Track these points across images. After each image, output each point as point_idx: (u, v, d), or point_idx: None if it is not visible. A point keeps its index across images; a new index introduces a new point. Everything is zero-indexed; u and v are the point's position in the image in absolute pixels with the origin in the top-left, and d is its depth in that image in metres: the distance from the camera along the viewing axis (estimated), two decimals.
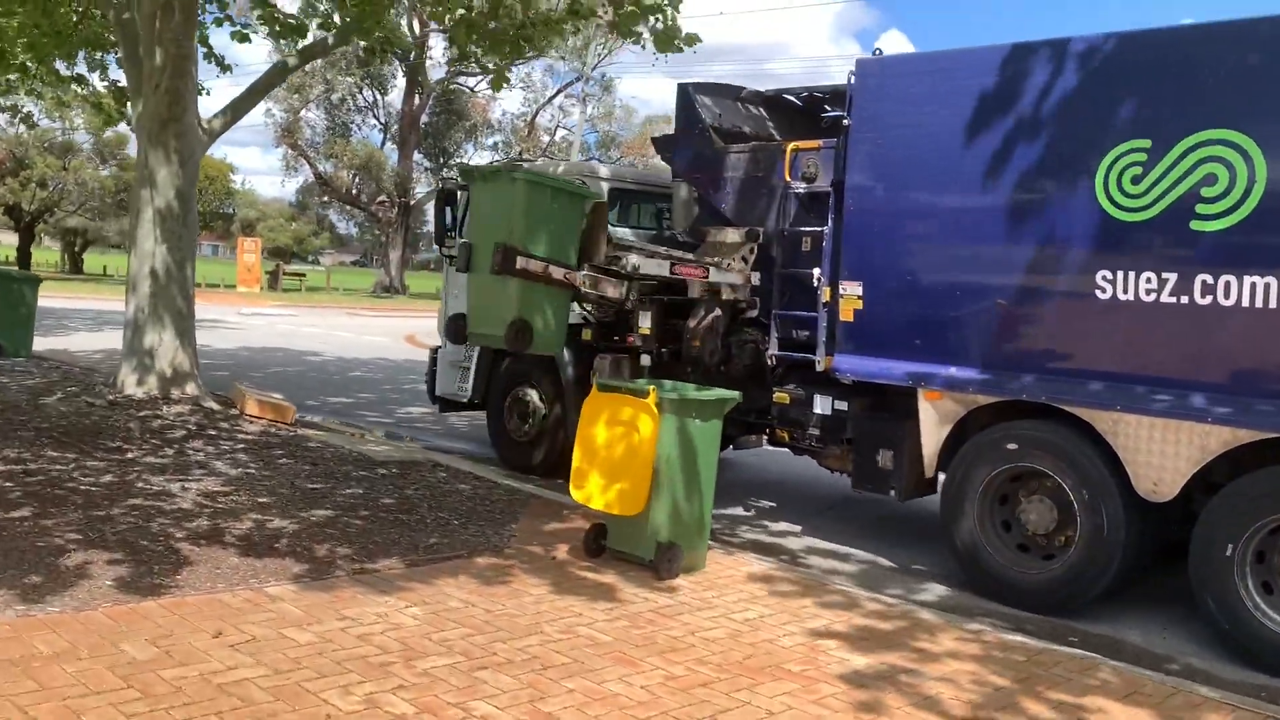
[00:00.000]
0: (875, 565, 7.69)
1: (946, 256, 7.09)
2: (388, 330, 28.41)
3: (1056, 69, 6.59)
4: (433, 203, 11.22)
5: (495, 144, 52.47)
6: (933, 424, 7.19)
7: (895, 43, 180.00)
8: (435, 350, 11.11)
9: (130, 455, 8.23)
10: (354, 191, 50.01)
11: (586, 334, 9.58)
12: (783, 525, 8.75)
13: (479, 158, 53.00)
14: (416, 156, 50.01)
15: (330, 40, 11.40)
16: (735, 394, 6.92)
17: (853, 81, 7.63)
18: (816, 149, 8.22)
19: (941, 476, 7.39)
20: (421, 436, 11.73)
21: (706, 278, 8.37)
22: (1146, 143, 6.21)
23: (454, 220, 10.60)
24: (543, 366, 9.86)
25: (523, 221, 7.10)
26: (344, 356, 19.87)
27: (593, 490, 6.54)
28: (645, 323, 9.01)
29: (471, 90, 49.04)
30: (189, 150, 10.05)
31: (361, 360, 19.56)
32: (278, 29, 11.42)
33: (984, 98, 6.85)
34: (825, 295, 7.87)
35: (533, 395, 9.93)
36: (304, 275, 51.97)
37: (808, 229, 8.09)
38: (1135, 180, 6.24)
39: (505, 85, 10.14)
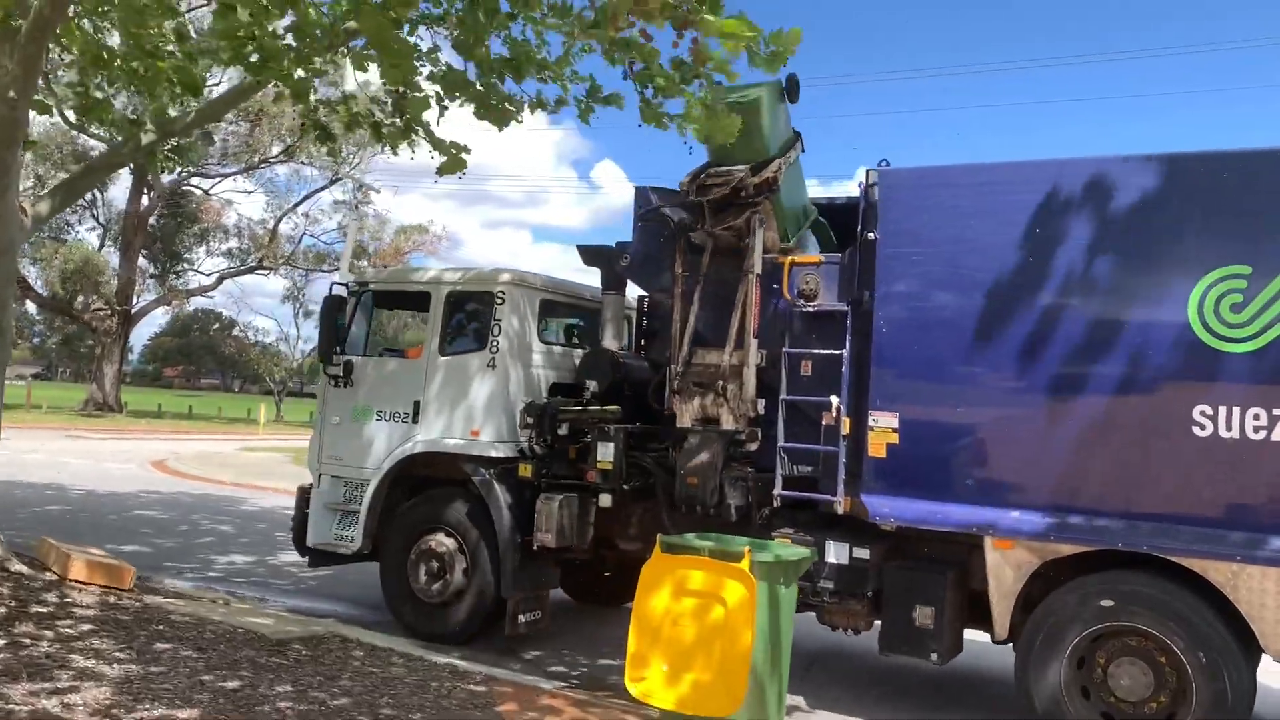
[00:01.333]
0: None
1: (1010, 385, 6.34)
2: (124, 454, 24.72)
3: (1133, 186, 6.12)
4: (317, 311, 9.41)
5: (230, 250, 48.73)
6: (1006, 577, 6.31)
7: (609, 171, 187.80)
8: (305, 490, 9.12)
9: None
10: (64, 298, 44.48)
11: (525, 469, 8.09)
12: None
13: (211, 263, 48.99)
14: (141, 261, 45.42)
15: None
16: (808, 551, 5.76)
17: (876, 193, 6.89)
18: (816, 264, 7.38)
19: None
20: (271, 595, 9.56)
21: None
22: (1247, 269, 5.79)
23: (342, 333, 8.86)
24: (462, 507, 8.22)
25: None
26: (98, 490, 16.69)
27: (655, 684, 5.11)
28: (606, 454, 7.72)
29: (205, 192, 45.44)
30: (7, 240, 7.73)
31: (124, 494, 16.50)
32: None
33: (1048, 212, 6.27)
34: (846, 427, 6.93)
35: (448, 544, 8.21)
36: None
37: (818, 351, 7.15)
38: (1236, 308, 5.79)
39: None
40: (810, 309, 7.24)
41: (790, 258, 7.44)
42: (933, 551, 6.82)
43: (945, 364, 6.55)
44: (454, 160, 7.19)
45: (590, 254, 8.86)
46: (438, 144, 7.31)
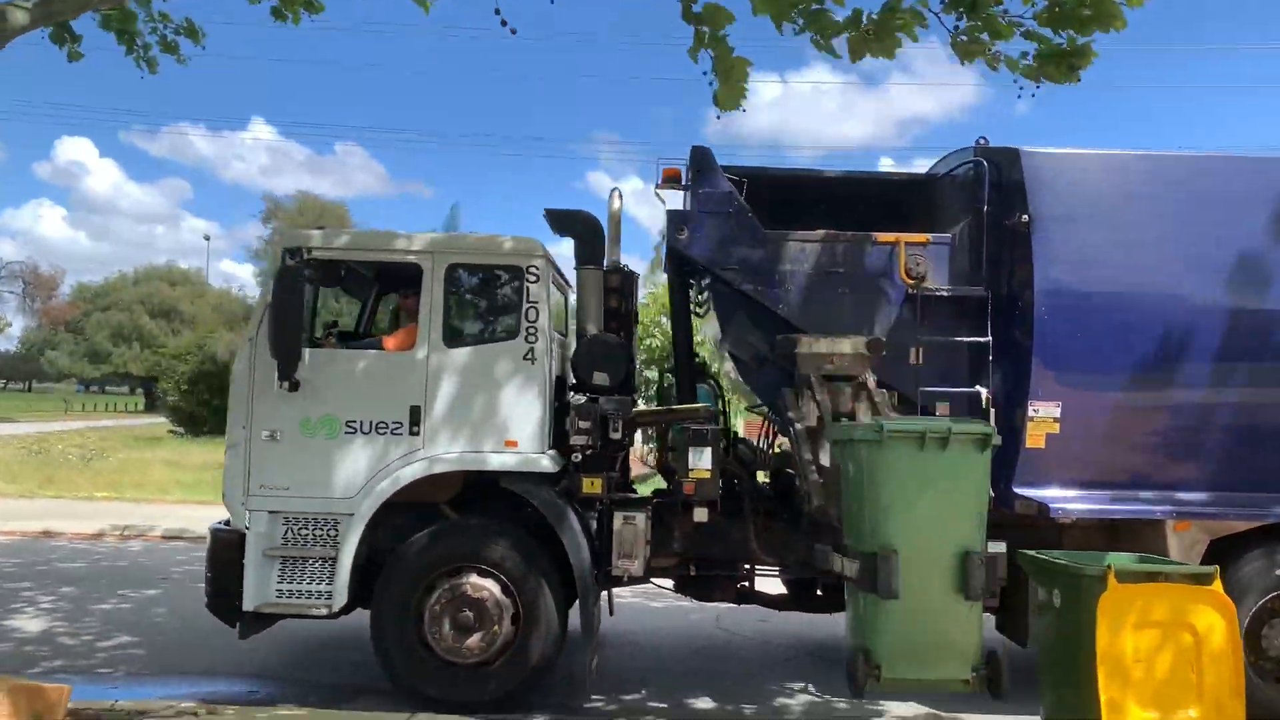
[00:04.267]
0: None
1: (1189, 370, 6.45)
2: None
3: None
4: (266, 283, 6.61)
5: None
6: (1182, 558, 6.44)
7: None
8: (227, 535, 6.54)
9: None
10: None
11: (592, 483, 6.60)
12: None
13: None
14: None
15: None
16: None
17: (1023, 174, 6.59)
18: (924, 244, 6.90)
19: None
20: (190, 684, 6.75)
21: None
22: None
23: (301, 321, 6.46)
24: (503, 539, 6.49)
25: None
26: None
27: None
28: (702, 460, 6.61)
29: None
30: None
31: None
32: None
33: (1223, 203, 6.48)
34: (993, 418, 6.59)
35: (488, 587, 6.42)
36: None
37: (965, 340, 6.70)
38: None
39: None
40: (944, 293, 6.76)
41: (904, 236, 6.87)
42: (1087, 542, 6.75)
43: (1111, 351, 6.48)
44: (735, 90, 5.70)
45: (562, 220, 7.41)
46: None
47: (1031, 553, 5.37)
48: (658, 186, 7.89)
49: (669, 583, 7.31)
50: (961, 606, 4.79)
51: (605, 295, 7.25)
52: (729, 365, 7.75)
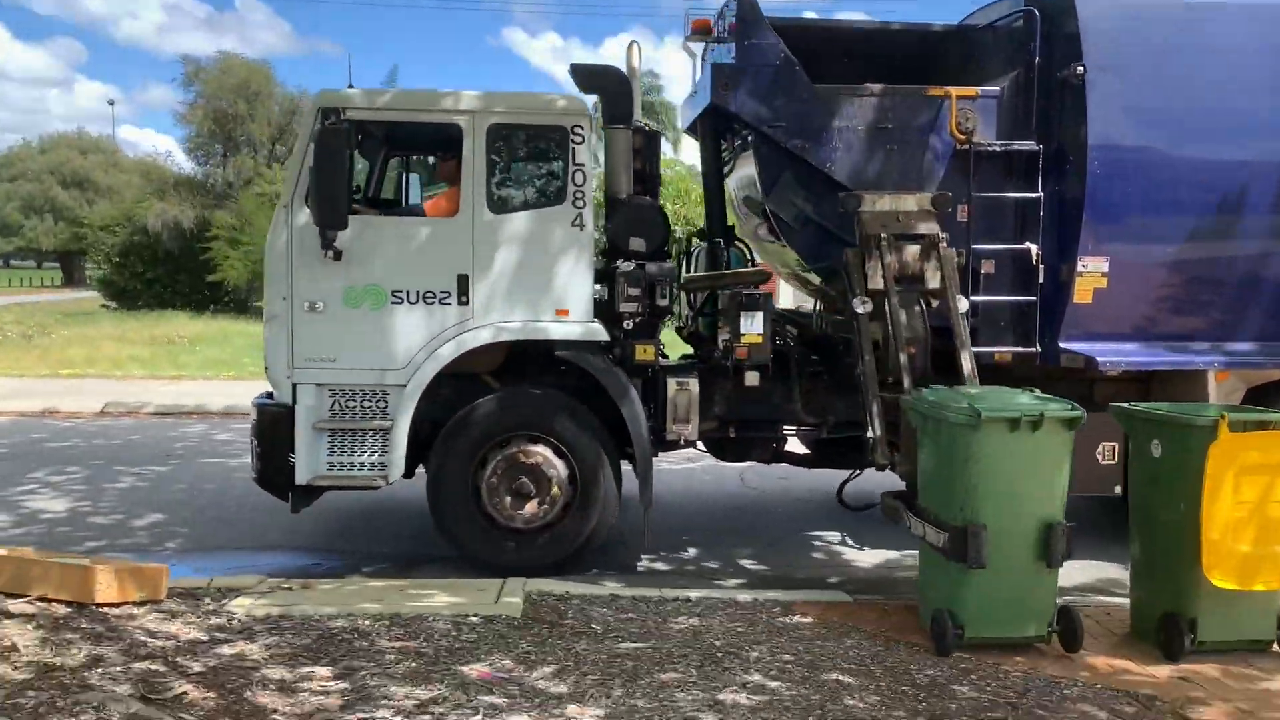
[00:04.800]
0: None
1: (1240, 224, 6.52)
2: None
3: None
4: (305, 146, 6.20)
5: None
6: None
7: None
8: (272, 409, 6.36)
9: None
10: None
11: (644, 350, 6.53)
12: None
13: None
14: None
15: None
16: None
17: (1077, 24, 6.45)
18: (973, 97, 6.79)
19: None
20: (248, 558, 6.65)
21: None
22: None
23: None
24: (558, 407, 6.43)
25: None
26: None
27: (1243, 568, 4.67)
28: (754, 325, 6.57)
29: None
30: None
31: None
32: None
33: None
34: (1041, 275, 6.64)
35: (543, 454, 6.39)
36: None
37: (1014, 196, 6.67)
38: None
39: None
40: (997, 148, 6.68)
41: (953, 90, 6.73)
42: (1116, 394, 6.90)
43: (1162, 206, 6.51)
44: None
45: (590, 76, 7.10)
46: None
47: (1128, 405, 5.44)
48: (686, 38, 7.61)
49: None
50: (1043, 573, 4.90)
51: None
52: (756, 225, 7.65)
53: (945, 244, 6.43)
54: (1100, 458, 6.77)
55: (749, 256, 7.79)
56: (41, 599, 4.72)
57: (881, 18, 7.79)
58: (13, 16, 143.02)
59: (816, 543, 7.45)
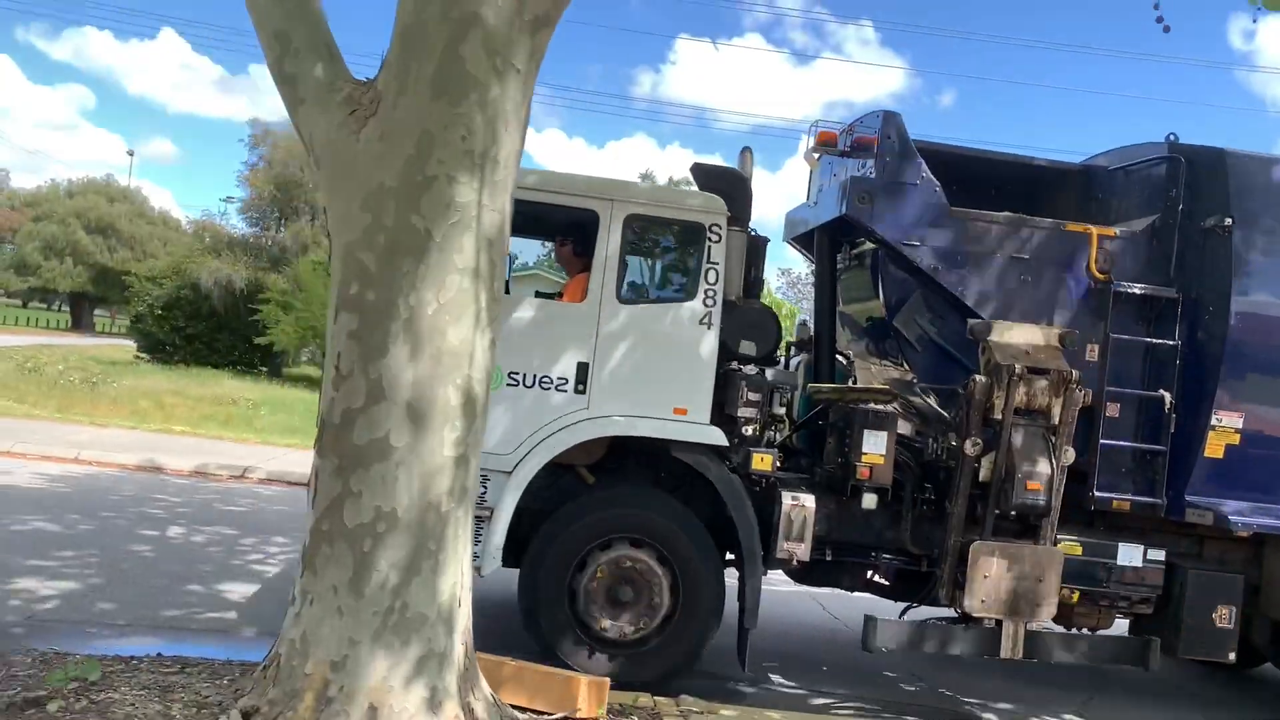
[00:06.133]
0: None
1: None
2: None
3: None
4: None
5: None
6: None
7: None
8: None
9: None
10: None
11: (761, 460, 6.32)
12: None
13: None
14: None
15: None
16: None
17: (1231, 178, 6.40)
18: (1113, 237, 6.70)
19: None
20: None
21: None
22: None
23: None
24: (663, 509, 6.21)
25: None
26: None
27: None
28: (876, 445, 6.36)
29: None
30: None
31: None
32: None
33: None
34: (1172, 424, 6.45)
35: (646, 560, 6.14)
36: None
37: (1152, 341, 6.52)
38: None
39: None
40: (1135, 290, 6.55)
41: (1095, 228, 6.65)
42: (1223, 553, 6.68)
43: None
44: None
45: (711, 176, 7.02)
46: None
47: None
48: (810, 150, 7.58)
49: None
50: None
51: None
52: (849, 340, 7.53)
53: (1078, 384, 6.24)
54: (1217, 620, 6.49)
55: (852, 373, 7.64)
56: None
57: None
58: (28, 57, 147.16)
59: (900, 682, 7.08)
